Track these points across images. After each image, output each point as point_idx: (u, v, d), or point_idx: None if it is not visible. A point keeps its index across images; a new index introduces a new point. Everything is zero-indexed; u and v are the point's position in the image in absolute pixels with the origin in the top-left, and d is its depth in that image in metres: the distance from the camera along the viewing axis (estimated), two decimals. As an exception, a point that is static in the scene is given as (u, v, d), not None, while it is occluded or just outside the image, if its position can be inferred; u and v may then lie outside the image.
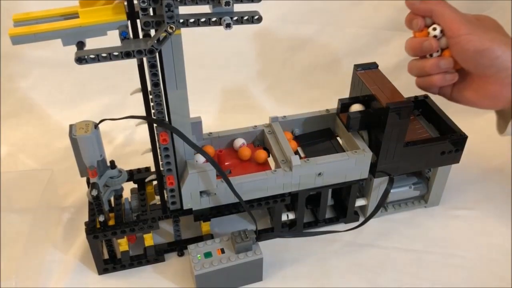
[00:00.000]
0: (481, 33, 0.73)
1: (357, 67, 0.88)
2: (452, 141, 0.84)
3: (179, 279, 0.81)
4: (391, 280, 0.81)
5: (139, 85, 0.68)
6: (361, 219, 0.91)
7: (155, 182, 0.87)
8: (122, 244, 0.81)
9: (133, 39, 0.62)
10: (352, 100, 0.88)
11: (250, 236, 0.76)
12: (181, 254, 0.85)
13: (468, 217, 0.93)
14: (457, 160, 0.88)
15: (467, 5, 1.15)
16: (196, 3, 0.59)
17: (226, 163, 0.84)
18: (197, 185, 0.76)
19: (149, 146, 0.75)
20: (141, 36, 0.63)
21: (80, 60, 0.59)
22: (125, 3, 0.60)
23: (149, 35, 0.63)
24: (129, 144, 1.12)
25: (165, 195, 0.81)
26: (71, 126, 0.73)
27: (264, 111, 1.20)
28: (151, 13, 0.62)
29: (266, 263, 0.80)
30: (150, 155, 0.76)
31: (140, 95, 0.69)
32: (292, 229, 0.89)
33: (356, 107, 0.85)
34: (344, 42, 1.24)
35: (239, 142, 0.86)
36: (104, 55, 0.59)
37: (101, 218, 0.75)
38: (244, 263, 0.76)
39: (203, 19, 0.61)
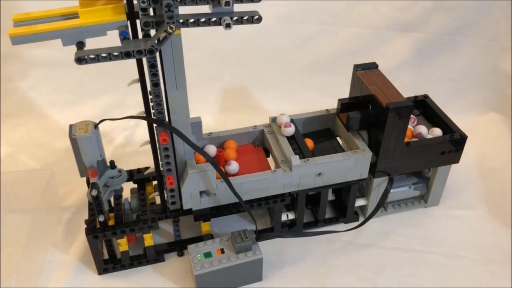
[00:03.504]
0: None
1: (357, 67, 0.88)
2: (452, 141, 0.84)
3: (179, 279, 0.81)
4: (391, 280, 0.81)
5: (139, 85, 0.68)
6: (361, 219, 0.91)
7: (155, 182, 0.87)
8: (122, 244, 0.81)
9: (133, 39, 0.62)
10: (352, 100, 0.88)
11: (250, 236, 0.76)
12: (181, 254, 0.85)
13: (468, 217, 0.93)
14: (457, 160, 0.88)
15: (468, 5, 1.16)
16: (196, 3, 0.59)
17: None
18: (197, 185, 0.76)
19: (149, 148, 0.75)
20: (141, 36, 0.63)
21: (80, 60, 0.59)
22: (125, 3, 0.60)
23: (149, 35, 0.63)
24: (129, 144, 1.12)
25: (165, 195, 0.81)
26: (71, 126, 0.73)
27: (264, 111, 1.20)
28: (151, 13, 0.62)
29: (266, 263, 0.80)
30: (150, 156, 0.76)
31: (139, 96, 0.69)
32: (292, 229, 0.89)
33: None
34: (344, 42, 1.24)
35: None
36: (104, 55, 0.59)
37: (101, 218, 0.75)
38: (244, 263, 0.76)
39: (203, 19, 0.61)
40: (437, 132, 0.88)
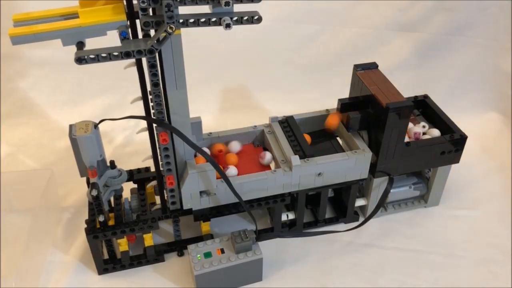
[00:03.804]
0: None
1: (357, 67, 0.88)
2: (452, 141, 0.84)
3: (179, 279, 0.81)
4: (391, 280, 0.81)
5: (139, 85, 0.68)
6: (361, 219, 0.91)
7: (155, 182, 0.87)
8: (122, 244, 0.81)
9: (133, 39, 0.62)
10: (352, 100, 0.88)
11: (250, 236, 0.76)
12: (181, 254, 0.85)
13: (468, 217, 0.93)
14: (457, 160, 0.88)
15: (468, 5, 1.16)
16: (196, 3, 0.59)
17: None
18: (197, 185, 0.76)
19: (149, 148, 0.75)
20: (141, 36, 0.63)
21: (80, 60, 0.59)
22: (125, 3, 0.60)
23: (149, 35, 0.63)
24: (129, 144, 1.12)
25: (165, 195, 0.81)
26: (71, 126, 0.73)
27: (264, 111, 1.20)
28: (151, 13, 0.62)
29: (266, 263, 0.80)
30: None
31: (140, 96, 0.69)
32: (292, 229, 0.89)
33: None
34: (344, 42, 1.24)
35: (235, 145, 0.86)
36: (104, 55, 0.59)
37: (101, 218, 0.75)
38: (244, 263, 0.76)
39: (203, 19, 0.61)
40: (434, 133, 0.87)
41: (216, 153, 0.84)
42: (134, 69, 0.67)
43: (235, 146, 0.86)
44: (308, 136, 0.87)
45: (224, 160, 0.83)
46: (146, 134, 0.74)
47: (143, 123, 0.74)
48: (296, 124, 0.87)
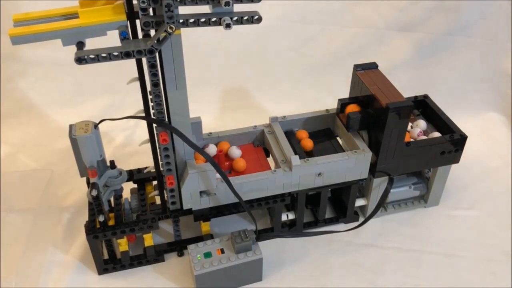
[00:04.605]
0: None
1: (357, 67, 0.88)
2: (452, 141, 0.84)
3: (179, 279, 0.81)
4: (391, 280, 0.81)
5: (139, 86, 0.68)
6: (361, 219, 0.91)
7: (155, 182, 0.87)
8: (122, 244, 0.81)
9: (133, 39, 0.62)
10: (352, 100, 0.88)
11: (250, 236, 0.76)
12: (181, 254, 0.85)
13: (468, 217, 0.93)
14: (457, 160, 0.88)
15: (468, 5, 1.16)
16: (196, 3, 0.59)
17: (226, 163, 0.84)
18: (197, 185, 0.76)
19: (149, 148, 0.75)
20: (141, 36, 0.63)
21: (80, 60, 0.59)
22: (125, 3, 0.60)
23: (149, 35, 0.63)
24: (129, 144, 1.12)
25: (165, 195, 0.81)
26: (71, 126, 0.73)
27: (264, 111, 1.20)
28: (151, 13, 0.62)
29: (266, 263, 0.80)
30: (150, 156, 0.76)
31: (139, 96, 0.69)
32: (292, 229, 0.89)
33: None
34: (344, 42, 1.24)
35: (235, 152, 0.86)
36: (104, 55, 0.59)
37: (101, 218, 0.75)
38: (244, 263, 0.76)
39: (203, 19, 0.61)
40: (421, 124, 0.88)
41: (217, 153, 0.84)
42: (134, 69, 0.67)
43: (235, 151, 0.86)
44: (311, 141, 0.87)
45: (224, 160, 0.83)
46: (146, 134, 0.74)
47: (144, 126, 0.74)
48: (294, 135, 0.88)
